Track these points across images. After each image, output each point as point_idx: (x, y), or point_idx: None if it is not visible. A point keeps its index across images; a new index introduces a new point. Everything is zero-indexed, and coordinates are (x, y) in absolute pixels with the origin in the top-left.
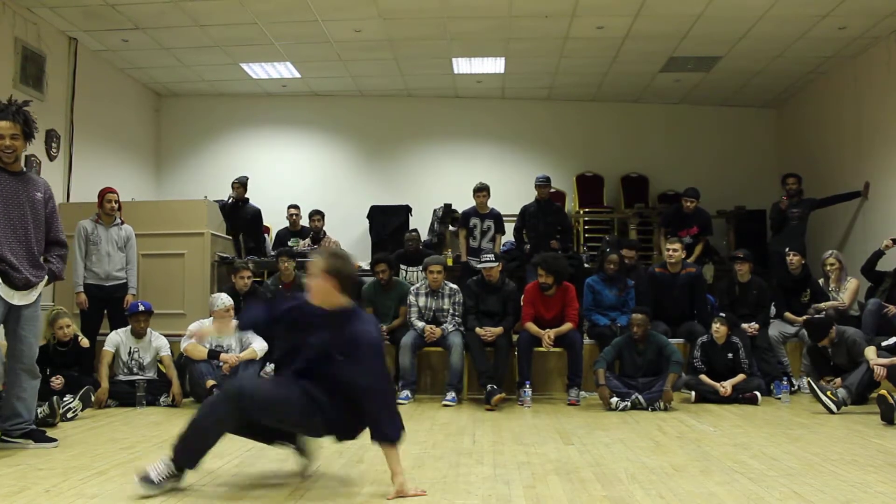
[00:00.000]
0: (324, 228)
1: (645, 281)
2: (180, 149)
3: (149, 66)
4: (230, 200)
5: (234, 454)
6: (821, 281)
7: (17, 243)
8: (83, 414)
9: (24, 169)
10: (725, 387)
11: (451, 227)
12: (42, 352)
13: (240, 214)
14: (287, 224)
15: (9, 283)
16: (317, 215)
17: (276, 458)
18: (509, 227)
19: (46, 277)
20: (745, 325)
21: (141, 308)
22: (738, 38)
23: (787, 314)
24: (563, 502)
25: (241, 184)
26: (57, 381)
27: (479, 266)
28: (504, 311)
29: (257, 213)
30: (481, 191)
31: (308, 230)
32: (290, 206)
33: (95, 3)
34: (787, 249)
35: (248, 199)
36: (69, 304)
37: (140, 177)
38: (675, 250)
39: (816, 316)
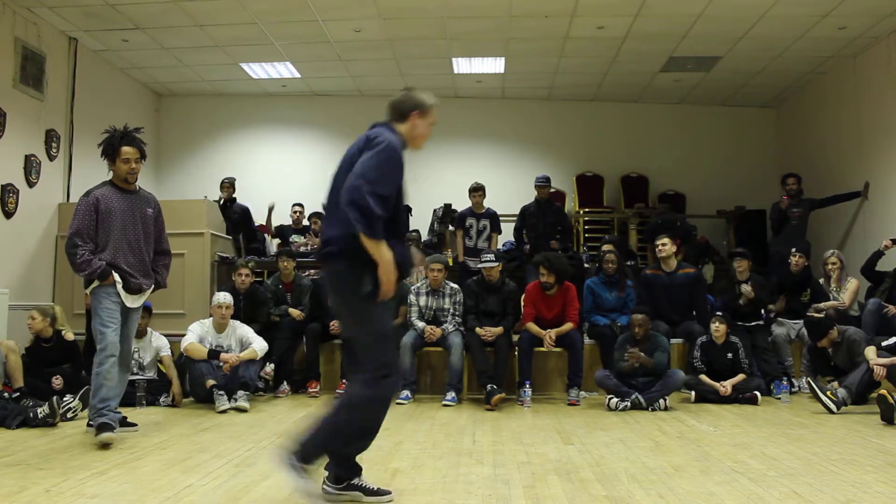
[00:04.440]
0: None
1: (638, 285)
2: (180, 149)
3: (149, 66)
4: (219, 201)
5: (235, 454)
6: (821, 280)
7: (132, 255)
8: (83, 414)
9: (138, 187)
10: (725, 386)
11: (450, 227)
12: (30, 351)
13: (229, 214)
14: (290, 221)
15: (126, 288)
16: (317, 216)
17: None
18: (506, 227)
19: (153, 285)
20: (744, 325)
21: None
22: (738, 38)
23: (779, 318)
24: (563, 502)
25: (230, 184)
26: (57, 381)
27: (479, 266)
28: (504, 311)
29: (246, 211)
30: (477, 190)
31: (309, 229)
32: (294, 205)
33: (95, 3)
34: (793, 250)
35: (235, 199)
36: (67, 303)
37: (140, 177)
38: (664, 244)
39: (816, 315)
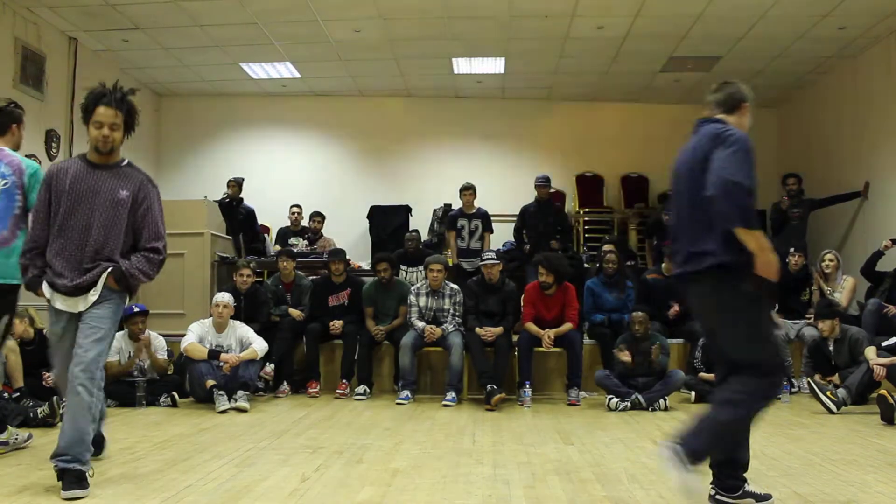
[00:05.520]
0: (322, 231)
1: (638, 288)
2: (180, 149)
3: (149, 66)
4: (225, 199)
5: (235, 454)
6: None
7: (71, 247)
8: None
9: (125, 161)
10: None
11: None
12: (24, 353)
13: (234, 214)
14: (288, 223)
15: (56, 290)
16: (317, 217)
17: (276, 458)
18: (506, 227)
19: (103, 276)
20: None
21: (136, 310)
22: (738, 38)
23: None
24: (563, 502)
25: (236, 183)
26: (48, 378)
27: (479, 264)
28: (504, 311)
29: (251, 213)
30: (467, 190)
31: (308, 229)
32: (292, 206)
33: (95, 3)
34: (791, 249)
35: (242, 199)
36: None
37: None
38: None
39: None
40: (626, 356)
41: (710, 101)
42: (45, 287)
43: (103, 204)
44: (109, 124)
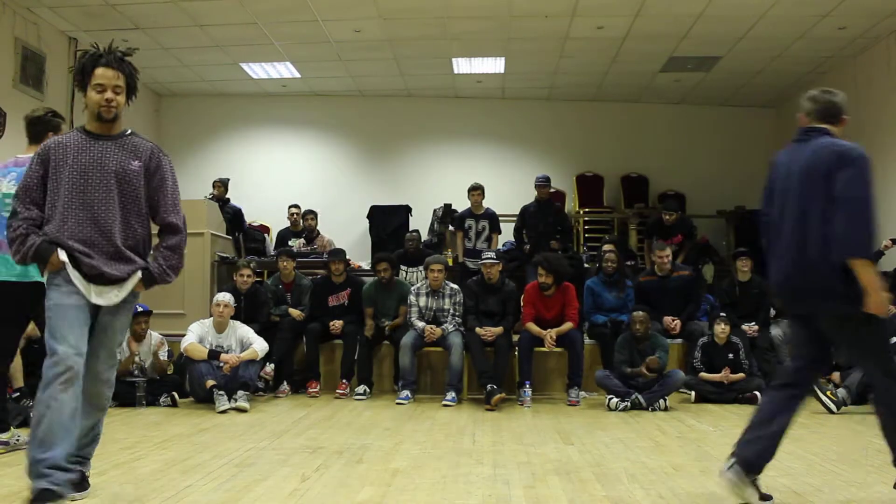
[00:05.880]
0: (318, 228)
1: (636, 291)
2: (180, 149)
3: (149, 66)
4: (211, 199)
5: (235, 454)
6: None
7: (90, 226)
8: None
9: (128, 131)
10: (725, 371)
11: (450, 228)
12: (23, 353)
13: (221, 214)
14: (288, 224)
15: (81, 273)
16: (310, 214)
17: (276, 458)
18: (506, 227)
19: (137, 275)
20: (744, 326)
21: (140, 310)
22: (738, 38)
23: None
24: (563, 502)
25: (222, 184)
26: None
27: (479, 263)
28: (504, 311)
29: (238, 213)
30: (475, 190)
31: (304, 229)
32: (290, 206)
33: (95, 3)
34: None
35: (228, 199)
36: None
37: None
38: (667, 256)
39: None
40: (646, 371)
41: (809, 108)
42: (62, 253)
43: (115, 178)
44: (112, 87)
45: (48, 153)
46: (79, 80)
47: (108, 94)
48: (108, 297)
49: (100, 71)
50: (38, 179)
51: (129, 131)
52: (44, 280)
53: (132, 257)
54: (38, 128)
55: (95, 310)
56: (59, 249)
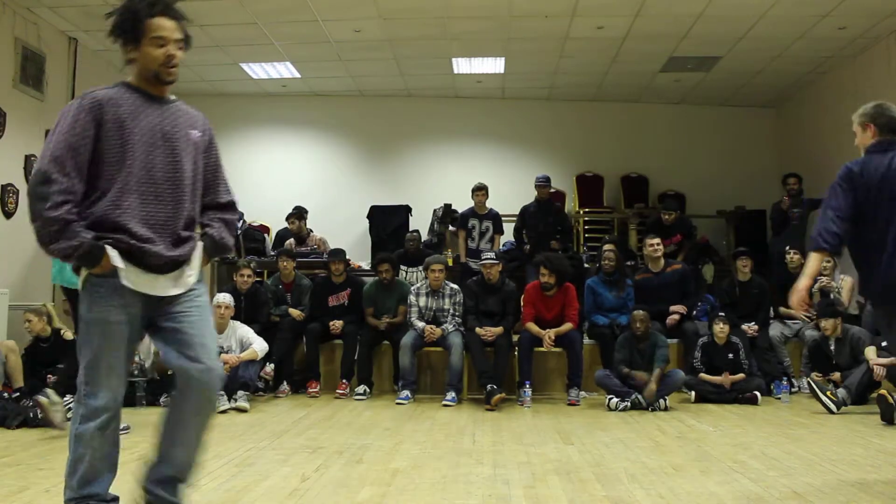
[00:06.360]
0: (307, 227)
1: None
2: None
3: None
4: None
5: (234, 454)
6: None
7: (156, 205)
8: None
9: (172, 97)
10: (725, 376)
11: (450, 228)
12: (28, 351)
13: None
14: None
15: (142, 265)
16: (293, 217)
17: (276, 458)
18: (508, 228)
19: (199, 249)
20: (744, 326)
21: None
22: (738, 38)
23: (782, 309)
24: (563, 502)
25: None
26: (52, 381)
27: (479, 263)
28: (504, 311)
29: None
30: (480, 190)
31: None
32: (289, 216)
33: (95, 3)
34: (787, 248)
35: None
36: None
37: None
38: (657, 244)
39: (832, 297)
40: (651, 388)
41: (882, 123)
42: (114, 255)
43: (180, 149)
44: (175, 40)
45: (100, 108)
46: (123, 36)
47: (171, 50)
48: (181, 282)
49: (159, 21)
50: (89, 140)
51: (174, 97)
52: (78, 283)
53: (190, 235)
54: None
55: (150, 311)
56: (109, 249)
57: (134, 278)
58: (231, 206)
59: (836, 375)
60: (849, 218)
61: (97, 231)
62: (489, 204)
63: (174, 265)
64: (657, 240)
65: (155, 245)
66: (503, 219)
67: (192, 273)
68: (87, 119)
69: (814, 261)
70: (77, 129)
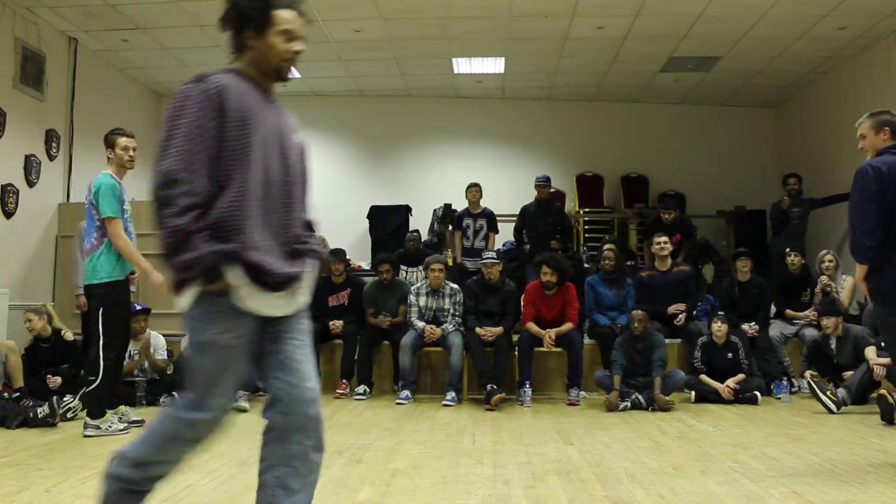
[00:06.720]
0: None
1: (637, 286)
2: None
3: (149, 66)
4: None
5: (234, 454)
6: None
7: (277, 213)
8: (83, 414)
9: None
10: (729, 385)
11: (450, 227)
12: (29, 351)
13: None
14: None
15: (261, 283)
16: None
17: None
18: (506, 227)
19: (311, 267)
20: (744, 326)
21: (138, 308)
22: (738, 38)
23: (788, 311)
24: (563, 502)
25: None
26: (52, 381)
27: (479, 263)
28: (504, 311)
29: None
30: (473, 186)
31: None
32: None
33: (95, 3)
34: (787, 249)
35: None
36: (67, 305)
37: (140, 177)
38: (665, 242)
39: (833, 296)
40: (660, 397)
41: (889, 127)
42: (237, 274)
43: (292, 152)
44: (302, 38)
45: (222, 98)
46: (255, 20)
47: (298, 46)
48: (296, 301)
49: (286, 14)
50: (215, 132)
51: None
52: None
53: (302, 249)
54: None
55: (261, 330)
56: (226, 266)
57: (250, 299)
58: (312, 224)
59: (847, 374)
60: (883, 223)
61: (215, 235)
62: (490, 203)
63: (289, 282)
64: (665, 238)
65: (273, 258)
66: (503, 219)
67: (304, 293)
68: (209, 108)
69: (860, 270)
70: (198, 122)
